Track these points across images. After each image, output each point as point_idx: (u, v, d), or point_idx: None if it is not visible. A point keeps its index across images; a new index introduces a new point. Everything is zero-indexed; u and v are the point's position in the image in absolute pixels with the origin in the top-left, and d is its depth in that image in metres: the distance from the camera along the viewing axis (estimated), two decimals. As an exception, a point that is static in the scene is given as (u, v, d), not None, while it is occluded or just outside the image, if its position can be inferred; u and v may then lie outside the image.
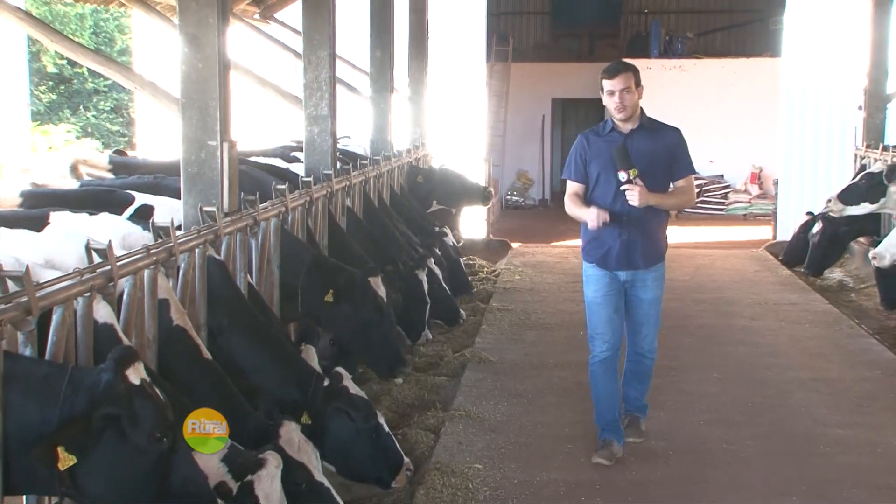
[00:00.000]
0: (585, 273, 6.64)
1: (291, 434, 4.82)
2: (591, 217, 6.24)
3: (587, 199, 6.48)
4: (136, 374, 3.72)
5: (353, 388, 5.52)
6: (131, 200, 7.50)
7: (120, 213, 7.10)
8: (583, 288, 6.68)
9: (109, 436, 3.60)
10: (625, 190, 6.17)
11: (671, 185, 6.54)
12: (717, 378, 8.44)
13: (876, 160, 12.35)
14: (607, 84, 6.31)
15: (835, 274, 12.76)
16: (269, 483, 4.22)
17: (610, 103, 6.35)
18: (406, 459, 5.72)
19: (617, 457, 6.45)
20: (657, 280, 6.59)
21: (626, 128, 6.42)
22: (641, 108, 6.46)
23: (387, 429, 5.65)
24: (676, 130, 6.59)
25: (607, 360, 6.53)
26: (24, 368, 3.73)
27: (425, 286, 8.82)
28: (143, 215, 7.04)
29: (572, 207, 6.55)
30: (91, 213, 6.79)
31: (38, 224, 6.41)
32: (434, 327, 9.46)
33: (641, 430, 6.86)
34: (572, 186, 6.58)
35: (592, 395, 6.67)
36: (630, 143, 6.30)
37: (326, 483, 4.81)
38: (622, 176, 6.15)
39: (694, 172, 6.66)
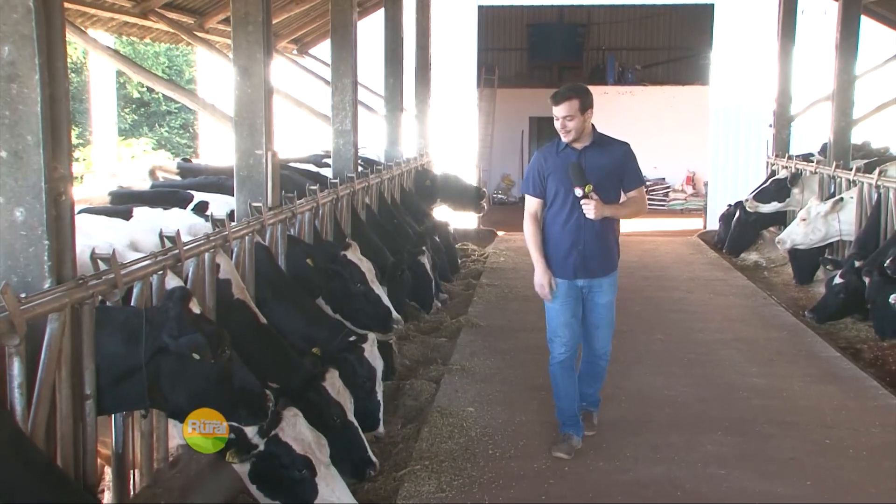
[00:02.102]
0: None
1: (334, 380, 4.83)
2: (537, 281, 5.56)
3: (545, 213, 5.64)
4: (195, 306, 3.74)
5: (370, 353, 5.39)
6: (191, 198, 7.47)
7: (183, 209, 7.08)
8: None
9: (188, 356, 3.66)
10: (582, 204, 5.38)
11: (623, 195, 5.69)
12: (660, 339, 8.43)
13: (783, 167, 12.49)
14: (553, 109, 5.44)
15: (752, 256, 12.78)
16: (291, 429, 4.20)
17: (556, 125, 5.49)
18: (381, 430, 5.48)
19: (576, 449, 5.72)
20: (612, 285, 5.72)
21: (580, 145, 5.53)
22: (593, 126, 5.57)
23: (379, 397, 5.44)
24: (626, 145, 5.68)
25: (565, 361, 5.71)
26: (110, 315, 3.75)
27: (428, 267, 8.77)
28: (200, 209, 7.03)
29: (528, 236, 5.68)
30: (165, 209, 6.77)
31: (124, 218, 6.40)
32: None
33: (594, 423, 6.02)
34: (531, 203, 5.68)
35: (553, 393, 5.88)
36: (584, 160, 5.45)
37: (356, 423, 4.79)
38: (578, 192, 5.34)
39: (644, 184, 5.79)
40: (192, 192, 7.62)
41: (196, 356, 3.57)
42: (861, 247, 8.88)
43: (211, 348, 3.64)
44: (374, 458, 4.77)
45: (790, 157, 12.78)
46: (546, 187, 5.59)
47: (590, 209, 5.35)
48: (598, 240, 5.55)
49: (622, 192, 5.66)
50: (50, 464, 3.29)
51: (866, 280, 7.89)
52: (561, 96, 5.40)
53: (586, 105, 5.43)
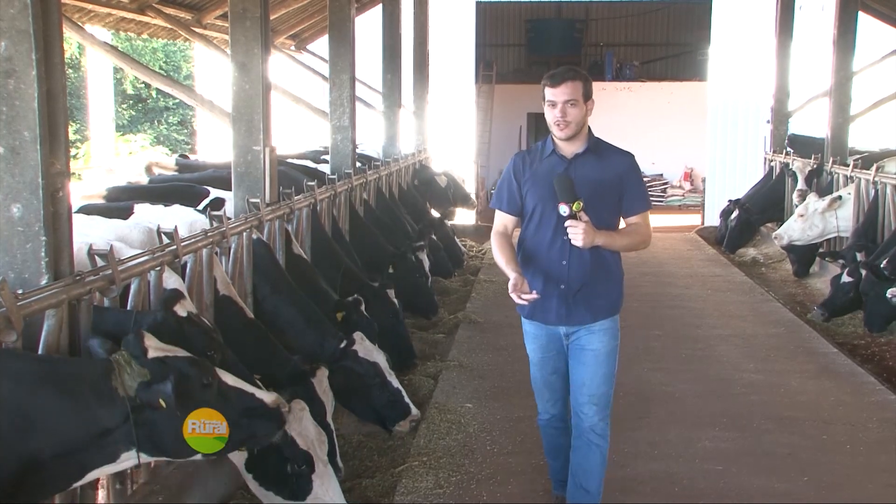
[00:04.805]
0: (523, 328, 4.59)
1: (323, 378, 4.82)
2: (510, 286, 4.10)
3: (521, 235, 4.40)
4: (182, 309, 3.72)
5: (364, 351, 5.38)
6: (207, 194, 7.47)
7: (197, 205, 7.03)
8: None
9: None
10: (567, 227, 4.07)
11: (622, 221, 4.41)
12: (658, 334, 8.42)
13: (781, 162, 12.51)
14: (549, 93, 4.16)
15: (749, 252, 12.80)
16: (298, 423, 4.19)
17: (550, 116, 4.19)
18: (414, 411, 5.47)
19: None
20: (606, 332, 4.33)
21: (570, 150, 4.26)
22: (589, 128, 4.31)
23: (396, 384, 5.45)
24: (629, 156, 4.37)
25: (552, 421, 4.66)
26: (103, 317, 3.74)
27: (426, 265, 8.75)
28: (216, 206, 7.00)
29: (497, 252, 4.32)
30: (166, 205, 6.76)
31: (125, 214, 6.40)
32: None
33: None
34: (501, 219, 4.41)
35: (543, 448, 4.89)
36: (573, 169, 4.21)
37: (332, 426, 4.81)
38: (563, 210, 4.06)
39: (650, 208, 4.44)
40: (209, 188, 7.59)
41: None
42: (860, 238, 8.92)
43: (198, 351, 3.60)
44: (340, 465, 4.77)
45: (788, 153, 12.81)
46: (524, 203, 4.35)
47: (577, 233, 4.05)
48: (588, 276, 4.25)
49: (621, 217, 4.41)
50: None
51: (863, 272, 7.94)
52: (561, 76, 4.18)
53: (589, 93, 4.24)
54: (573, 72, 4.21)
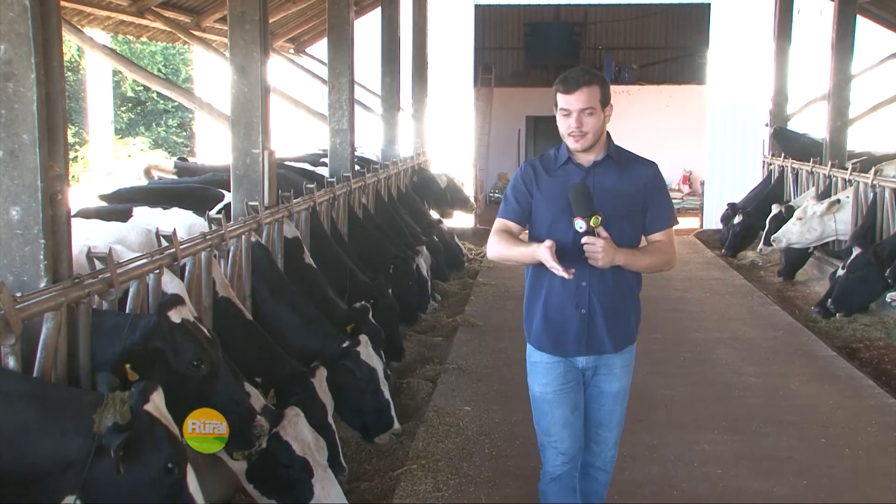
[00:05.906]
0: (530, 359, 3.96)
1: (322, 378, 4.81)
2: (544, 255, 3.54)
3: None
4: (177, 315, 3.71)
5: (366, 354, 5.36)
6: (221, 197, 7.43)
7: (212, 208, 6.97)
8: (527, 380, 4.01)
9: (159, 365, 3.61)
10: (584, 244, 3.61)
11: (643, 238, 3.96)
12: (657, 338, 8.40)
13: (780, 165, 12.54)
14: (562, 100, 3.66)
15: (748, 255, 12.80)
16: (293, 429, 4.19)
17: (563, 126, 3.68)
18: (396, 425, 5.42)
19: None
20: (626, 366, 4.01)
21: (587, 158, 3.77)
22: (608, 134, 3.82)
23: (387, 395, 5.40)
24: (653, 166, 3.91)
25: (564, 478, 3.96)
26: (102, 320, 3.73)
27: (424, 268, 8.76)
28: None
29: (502, 247, 3.76)
30: (164, 208, 6.73)
31: (124, 216, 6.38)
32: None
33: None
34: (502, 223, 3.85)
35: None
36: (592, 180, 3.73)
37: (333, 426, 4.80)
38: (579, 225, 3.58)
39: (675, 224, 4.01)
40: (223, 192, 7.54)
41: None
42: (859, 238, 8.96)
43: (185, 360, 3.65)
44: (343, 464, 4.76)
45: (786, 157, 12.84)
46: (535, 216, 3.83)
47: (596, 251, 3.59)
48: (610, 299, 3.85)
49: (643, 234, 3.97)
50: None
51: (855, 251, 8.00)
52: (576, 81, 3.64)
53: (607, 97, 3.72)
54: (589, 75, 3.69)
